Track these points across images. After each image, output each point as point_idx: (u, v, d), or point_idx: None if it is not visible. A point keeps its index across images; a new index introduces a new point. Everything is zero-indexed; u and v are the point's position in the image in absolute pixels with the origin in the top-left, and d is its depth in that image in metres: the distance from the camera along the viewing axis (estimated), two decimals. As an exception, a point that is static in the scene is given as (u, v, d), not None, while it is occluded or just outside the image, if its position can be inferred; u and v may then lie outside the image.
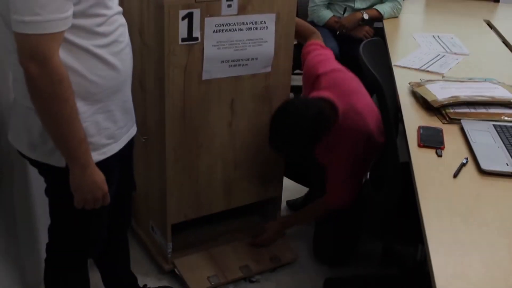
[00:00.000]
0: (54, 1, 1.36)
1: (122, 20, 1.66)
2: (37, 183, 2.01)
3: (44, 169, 1.70)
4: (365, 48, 2.04)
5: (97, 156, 1.63)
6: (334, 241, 2.66)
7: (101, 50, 1.55)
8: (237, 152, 2.47)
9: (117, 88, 1.65)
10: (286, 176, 2.74)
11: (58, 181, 1.65)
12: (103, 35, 1.55)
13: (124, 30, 1.68)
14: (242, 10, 2.20)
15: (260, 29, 2.28)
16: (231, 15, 2.19)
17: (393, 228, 2.11)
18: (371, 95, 2.41)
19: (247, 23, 2.24)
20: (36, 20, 1.35)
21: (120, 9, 1.65)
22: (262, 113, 2.45)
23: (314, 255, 2.73)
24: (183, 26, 2.10)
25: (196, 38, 2.15)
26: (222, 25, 2.19)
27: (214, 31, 2.18)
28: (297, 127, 2.17)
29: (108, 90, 1.61)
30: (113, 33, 1.59)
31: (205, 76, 2.25)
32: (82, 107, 1.54)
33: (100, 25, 1.52)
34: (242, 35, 2.25)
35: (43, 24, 1.36)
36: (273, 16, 2.28)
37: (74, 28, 1.45)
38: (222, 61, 2.26)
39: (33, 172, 2.00)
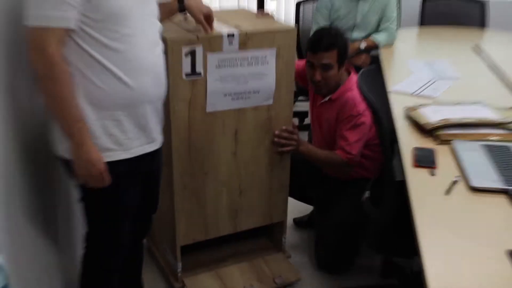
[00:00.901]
0: (53, 4, 1.49)
1: (155, 40, 1.75)
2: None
3: (67, 167, 1.75)
4: (363, 76, 2.07)
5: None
6: (335, 249, 2.67)
7: (111, 64, 1.61)
8: (241, 179, 2.44)
9: (128, 103, 1.69)
10: (291, 196, 2.72)
11: (72, 177, 1.76)
12: (116, 50, 1.61)
13: (154, 50, 1.74)
14: (243, 46, 2.19)
15: (261, 64, 2.25)
16: (233, 51, 2.17)
17: (391, 242, 2.11)
18: None
19: (248, 58, 2.22)
20: (38, 14, 1.49)
21: (155, 30, 1.76)
22: (265, 143, 2.42)
23: (316, 264, 2.73)
24: (186, 62, 2.09)
25: (199, 73, 2.15)
26: (224, 60, 2.17)
27: (216, 66, 2.16)
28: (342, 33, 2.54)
29: (116, 101, 1.67)
30: (127, 52, 1.64)
31: (209, 109, 2.23)
32: (88, 110, 1.63)
33: (113, 40, 1.59)
34: (243, 69, 2.23)
35: (39, 18, 1.49)
36: (273, 51, 2.26)
37: (87, 36, 1.57)
38: (225, 94, 2.24)
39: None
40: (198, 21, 2.05)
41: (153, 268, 2.66)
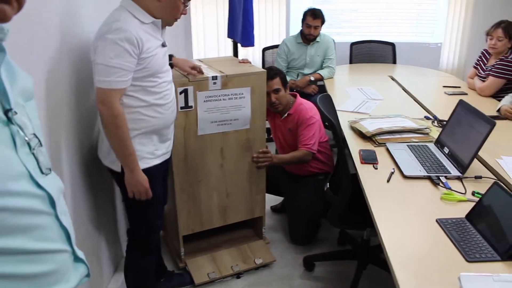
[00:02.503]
0: (118, 71, 1.53)
1: (171, 85, 1.78)
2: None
3: (114, 175, 1.77)
4: (320, 100, 2.09)
5: (143, 164, 1.72)
6: (304, 228, 2.68)
7: (152, 101, 1.67)
8: (228, 185, 2.40)
9: (159, 127, 1.74)
10: (268, 193, 2.67)
11: (121, 185, 1.74)
12: (155, 93, 1.67)
13: (171, 91, 1.78)
14: (224, 85, 2.17)
15: (239, 98, 2.23)
16: (216, 89, 2.16)
17: (347, 219, 2.13)
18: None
19: (229, 95, 2.20)
20: (105, 80, 1.53)
21: (170, 78, 1.77)
22: (245, 157, 2.39)
23: (290, 239, 2.72)
24: (181, 98, 2.09)
25: (191, 106, 2.13)
26: (210, 96, 2.15)
27: (204, 101, 2.15)
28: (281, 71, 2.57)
29: (153, 127, 1.71)
30: (162, 92, 1.69)
31: (199, 133, 2.21)
32: (134, 134, 1.66)
33: (152, 86, 1.65)
34: (225, 103, 2.20)
35: (108, 82, 1.53)
36: (248, 89, 2.24)
37: (136, 87, 1.61)
38: (212, 122, 2.21)
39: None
40: (186, 71, 2.10)
41: (165, 251, 2.61)
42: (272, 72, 2.46)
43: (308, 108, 2.57)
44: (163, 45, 1.70)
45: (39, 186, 0.69)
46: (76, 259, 0.83)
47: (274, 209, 3.07)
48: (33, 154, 0.70)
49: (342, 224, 2.21)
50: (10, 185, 0.62)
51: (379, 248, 2.34)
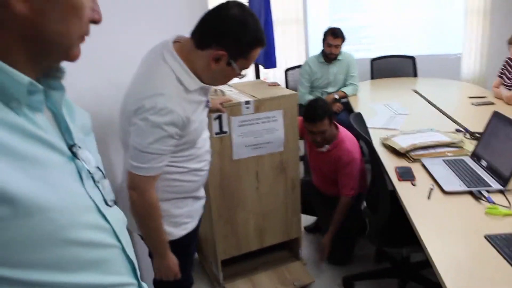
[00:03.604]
0: (157, 157, 1.34)
1: (208, 156, 1.60)
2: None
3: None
4: (353, 119, 2.09)
5: (181, 231, 1.58)
6: (340, 247, 2.64)
7: (192, 167, 1.51)
8: (263, 207, 2.38)
9: (196, 189, 1.60)
10: (303, 213, 2.65)
11: None
12: (193, 158, 1.51)
13: (208, 158, 1.60)
14: (257, 109, 2.17)
15: (272, 121, 2.23)
16: (249, 113, 2.16)
17: (387, 237, 2.11)
18: None
19: (262, 118, 2.20)
20: (141, 166, 1.34)
21: (208, 134, 1.59)
22: (280, 180, 2.37)
23: (327, 258, 2.66)
24: (215, 124, 2.09)
25: (226, 132, 2.14)
26: (244, 121, 2.16)
27: (238, 126, 2.15)
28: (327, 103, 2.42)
29: (190, 190, 1.57)
30: (200, 156, 1.54)
31: (234, 157, 2.20)
32: (170, 196, 1.51)
33: (191, 154, 1.49)
34: (259, 126, 2.20)
35: (144, 169, 1.35)
36: (280, 111, 2.23)
37: (174, 158, 1.44)
38: (246, 146, 2.21)
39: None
40: (217, 109, 2.05)
41: (203, 277, 2.61)
42: (320, 112, 2.33)
43: (349, 148, 2.45)
44: (207, 105, 1.50)
45: (105, 218, 0.70)
46: None
47: (308, 229, 3.05)
48: (97, 187, 0.71)
49: (381, 243, 2.19)
50: (81, 218, 0.63)
51: (419, 265, 2.33)
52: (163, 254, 1.51)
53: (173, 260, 1.54)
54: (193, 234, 1.66)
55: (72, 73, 0.69)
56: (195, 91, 1.38)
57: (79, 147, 0.69)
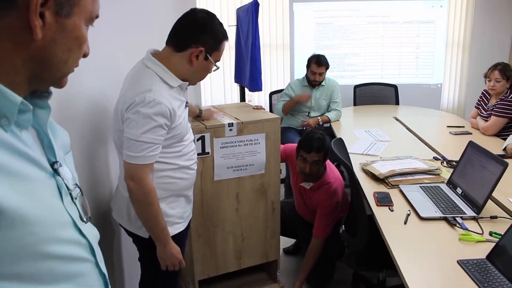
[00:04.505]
0: (150, 146, 1.47)
1: (193, 145, 1.72)
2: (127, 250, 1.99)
3: (136, 238, 1.69)
4: (334, 144, 2.13)
5: (174, 230, 1.66)
6: (320, 270, 2.64)
7: (182, 163, 1.62)
8: (243, 229, 2.40)
9: (186, 188, 1.70)
10: (282, 235, 2.66)
11: (145, 247, 1.67)
12: (183, 155, 1.63)
13: (195, 158, 1.72)
14: (240, 132, 2.20)
15: (254, 144, 2.26)
16: (232, 135, 2.19)
17: (364, 260, 2.13)
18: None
19: (244, 141, 2.23)
20: (136, 156, 1.47)
21: (193, 137, 1.74)
22: (260, 201, 2.39)
23: (306, 281, 2.66)
24: (198, 145, 2.10)
25: (208, 153, 2.16)
26: (226, 143, 2.19)
27: (220, 147, 2.18)
28: (326, 138, 2.40)
29: (182, 189, 1.67)
30: (188, 154, 1.66)
31: (216, 178, 2.23)
32: (164, 195, 1.60)
33: (180, 151, 1.62)
34: (241, 149, 2.23)
35: (139, 158, 1.47)
36: (263, 135, 2.27)
37: (165, 153, 1.56)
38: (228, 167, 2.23)
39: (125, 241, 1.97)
40: (209, 119, 2.21)
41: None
42: (318, 144, 2.33)
43: (332, 192, 2.45)
44: (186, 105, 1.66)
45: (81, 233, 0.73)
46: None
47: (287, 251, 3.06)
48: (74, 203, 0.74)
49: (359, 266, 2.21)
50: (59, 232, 0.65)
51: (395, 290, 2.35)
52: (165, 242, 1.59)
53: (176, 248, 1.62)
54: (182, 239, 1.73)
55: (80, 72, 0.73)
56: (176, 89, 1.56)
57: (60, 164, 0.71)
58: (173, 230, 1.66)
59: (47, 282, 0.64)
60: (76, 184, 0.76)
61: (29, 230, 0.59)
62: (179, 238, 1.70)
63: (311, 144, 2.33)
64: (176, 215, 1.68)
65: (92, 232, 0.78)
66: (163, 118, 1.46)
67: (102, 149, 1.88)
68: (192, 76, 1.60)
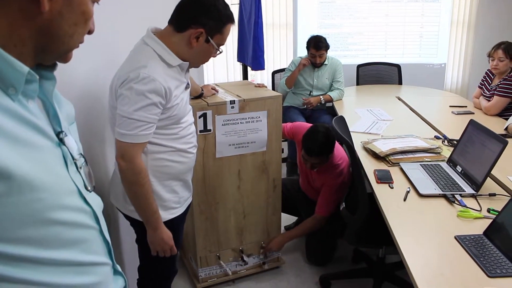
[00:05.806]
0: (142, 125, 1.41)
1: (193, 128, 1.67)
2: (126, 234, 2.00)
3: (132, 221, 1.66)
4: (335, 122, 2.13)
5: (168, 215, 1.63)
6: (321, 248, 2.70)
7: (178, 146, 1.58)
8: (245, 206, 2.42)
9: (184, 172, 1.66)
10: (284, 212, 2.70)
11: (142, 230, 1.61)
12: (180, 137, 1.58)
13: (194, 133, 1.68)
14: (242, 109, 2.20)
15: (256, 122, 2.26)
16: (234, 113, 2.19)
17: (364, 237, 2.16)
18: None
19: (246, 118, 2.23)
20: (127, 134, 1.41)
21: (192, 120, 1.67)
22: (262, 179, 2.41)
23: (307, 258, 2.73)
24: (200, 122, 2.11)
25: (210, 130, 2.16)
26: (228, 120, 2.19)
27: (222, 124, 2.17)
28: (330, 137, 2.36)
29: (179, 172, 1.63)
30: (186, 136, 1.61)
31: (218, 155, 2.23)
32: (159, 179, 1.57)
33: (177, 133, 1.57)
34: (243, 126, 2.23)
35: (130, 136, 1.41)
36: (265, 112, 2.27)
37: (160, 135, 1.52)
38: (230, 145, 2.23)
39: (123, 225, 1.98)
40: (211, 94, 2.22)
41: (183, 272, 2.63)
42: (318, 150, 2.33)
43: (339, 173, 2.46)
44: (187, 87, 1.60)
45: (86, 202, 0.75)
46: (115, 272, 0.88)
47: (288, 228, 3.08)
48: (79, 172, 0.76)
49: (359, 242, 2.24)
50: (64, 200, 0.68)
51: (394, 266, 2.39)
52: (156, 226, 1.54)
53: (167, 233, 1.57)
54: (179, 222, 1.70)
55: (76, 55, 0.74)
56: (175, 69, 1.50)
57: (65, 134, 0.73)
58: (168, 215, 1.63)
59: (53, 246, 0.67)
60: (81, 154, 0.78)
61: (36, 197, 0.61)
62: (175, 223, 1.66)
63: (311, 149, 2.34)
64: (172, 199, 1.64)
65: (96, 201, 0.80)
66: (158, 96, 1.40)
67: (99, 138, 1.84)
68: (193, 59, 1.54)
